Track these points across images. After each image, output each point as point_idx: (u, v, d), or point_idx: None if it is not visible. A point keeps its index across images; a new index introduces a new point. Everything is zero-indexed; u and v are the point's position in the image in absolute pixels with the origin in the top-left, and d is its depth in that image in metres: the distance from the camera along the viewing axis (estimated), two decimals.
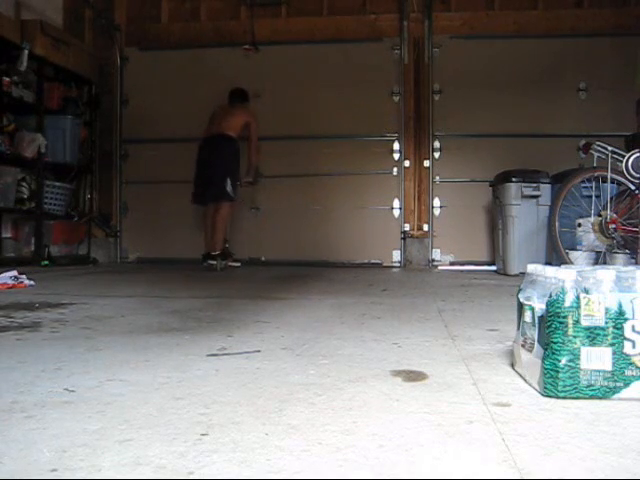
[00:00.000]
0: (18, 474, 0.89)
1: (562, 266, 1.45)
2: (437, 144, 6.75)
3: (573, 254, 4.86)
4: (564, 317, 1.33)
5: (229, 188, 5.83)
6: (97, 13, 7.06)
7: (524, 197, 5.49)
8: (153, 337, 2.09)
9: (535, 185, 5.50)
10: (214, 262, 5.81)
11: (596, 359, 1.32)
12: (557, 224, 4.78)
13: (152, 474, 0.89)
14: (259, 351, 1.85)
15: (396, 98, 6.74)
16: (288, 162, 6.68)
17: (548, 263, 5.00)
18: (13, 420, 1.16)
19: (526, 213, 5.51)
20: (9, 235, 6.12)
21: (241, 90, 6.31)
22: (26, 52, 5.61)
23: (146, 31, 7.19)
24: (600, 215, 4.72)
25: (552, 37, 6.53)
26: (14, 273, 3.89)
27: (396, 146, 6.77)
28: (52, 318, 2.49)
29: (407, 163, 6.78)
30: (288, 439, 1.06)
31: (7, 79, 5.59)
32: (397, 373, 1.57)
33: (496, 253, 6.05)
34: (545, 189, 5.50)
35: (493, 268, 6.16)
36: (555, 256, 4.95)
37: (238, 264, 6.22)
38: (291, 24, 6.94)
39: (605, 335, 1.32)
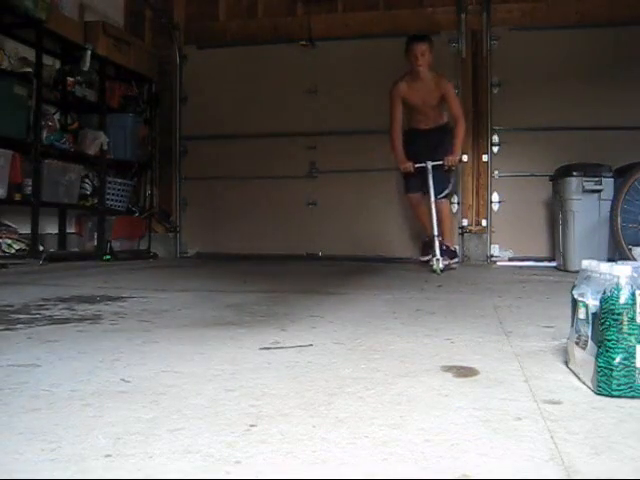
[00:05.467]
0: (74, 458, 0.93)
1: (618, 262, 1.42)
2: (496, 138, 6.65)
3: (636, 250, 4.72)
4: (619, 314, 1.29)
5: None
6: (157, 12, 7.21)
7: (585, 192, 5.35)
8: (208, 330, 2.13)
9: (597, 179, 5.35)
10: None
11: None
12: (619, 219, 4.65)
13: (200, 462, 0.92)
14: (312, 345, 1.87)
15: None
16: (344, 157, 6.68)
17: (610, 259, 4.87)
18: (72, 408, 1.20)
19: (587, 208, 5.37)
20: (73, 230, 6.32)
21: None
22: (89, 52, 5.79)
23: (204, 29, 7.29)
24: None
25: (616, 25, 6.32)
26: None
27: None
28: (112, 311, 2.56)
29: (465, 158, 6.68)
30: (335, 432, 1.07)
31: (71, 79, 5.78)
32: (448, 369, 1.56)
33: (556, 249, 5.92)
34: (607, 183, 5.34)
35: (553, 264, 6.03)
36: (617, 252, 4.82)
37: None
38: (347, 19, 6.94)
39: None
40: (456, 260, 5.50)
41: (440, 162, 5.19)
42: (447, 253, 5.28)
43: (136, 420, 1.12)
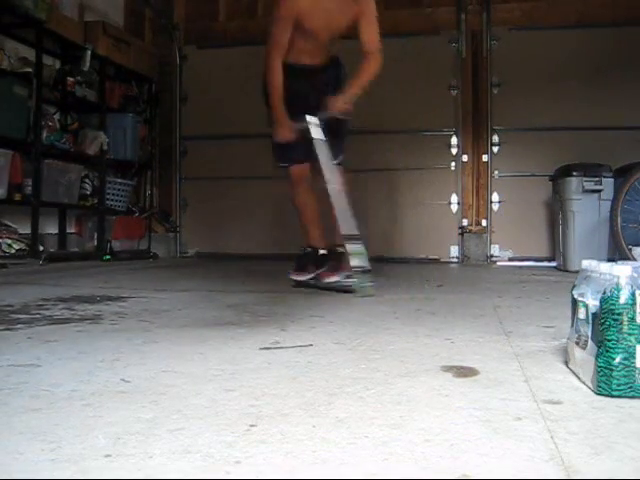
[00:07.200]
0: (74, 458, 0.93)
1: (618, 262, 1.42)
2: (496, 138, 6.64)
3: (636, 250, 4.72)
4: (619, 314, 1.29)
5: None
6: (157, 13, 7.21)
7: (585, 192, 5.34)
8: (208, 330, 2.13)
9: (597, 179, 5.35)
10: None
11: None
12: (619, 219, 4.65)
13: (200, 462, 0.92)
14: (312, 345, 1.87)
15: (454, 92, 6.65)
16: (344, 157, 6.67)
17: (610, 259, 4.87)
18: (72, 408, 1.20)
19: (587, 208, 5.36)
20: (73, 230, 6.32)
21: None
22: (89, 52, 5.79)
23: (204, 29, 7.30)
24: None
25: (616, 25, 6.31)
26: None
27: (454, 140, 6.69)
28: (112, 311, 2.56)
29: (465, 158, 6.69)
30: (335, 432, 1.07)
31: (71, 79, 5.77)
32: (448, 369, 1.56)
33: (556, 249, 5.91)
34: (607, 183, 5.34)
35: (553, 264, 6.03)
36: (617, 252, 4.82)
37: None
38: None
39: None
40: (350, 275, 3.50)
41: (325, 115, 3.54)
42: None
43: (136, 420, 1.12)
